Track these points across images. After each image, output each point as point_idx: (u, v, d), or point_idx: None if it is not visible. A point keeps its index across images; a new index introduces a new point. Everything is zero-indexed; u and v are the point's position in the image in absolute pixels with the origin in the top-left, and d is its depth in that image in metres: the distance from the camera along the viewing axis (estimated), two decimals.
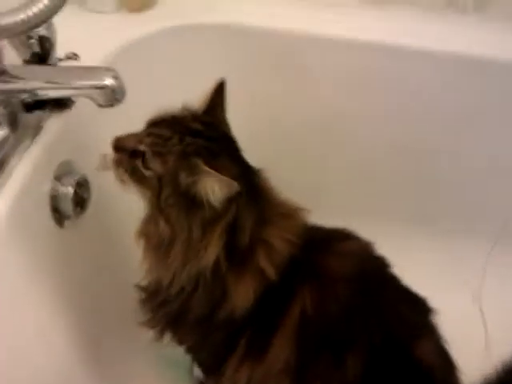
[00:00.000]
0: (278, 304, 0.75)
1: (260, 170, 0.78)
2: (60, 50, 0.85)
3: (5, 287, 0.69)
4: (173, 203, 0.71)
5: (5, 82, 0.68)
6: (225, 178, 0.68)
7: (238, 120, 0.79)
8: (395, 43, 1.05)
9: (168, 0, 1.10)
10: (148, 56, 1.01)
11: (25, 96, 0.70)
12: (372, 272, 0.80)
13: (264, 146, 0.77)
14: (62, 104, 0.81)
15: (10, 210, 0.69)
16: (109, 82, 0.67)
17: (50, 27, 0.78)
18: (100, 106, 0.69)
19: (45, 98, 0.74)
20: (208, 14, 1.07)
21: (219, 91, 0.77)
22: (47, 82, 0.68)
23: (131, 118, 0.73)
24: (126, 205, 0.81)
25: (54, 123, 0.80)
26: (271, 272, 0.74)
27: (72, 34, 0.85)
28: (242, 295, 0.74)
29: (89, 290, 0.87)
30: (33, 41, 0.77)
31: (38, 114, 0.78)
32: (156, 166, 0.71)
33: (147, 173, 0.72)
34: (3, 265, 0.69)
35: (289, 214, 0.79)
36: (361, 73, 1.07)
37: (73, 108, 0.82)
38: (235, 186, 0.67)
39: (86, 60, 0.88)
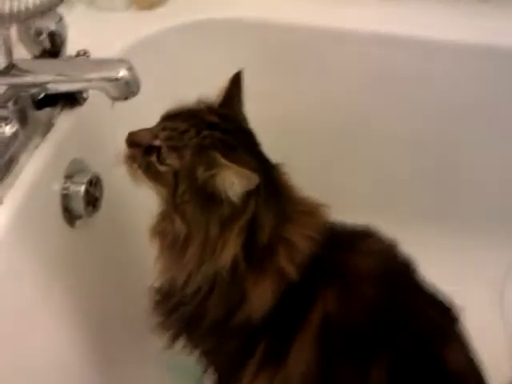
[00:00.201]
0: (299, 306, 0.71)
1: (279, 165, 0.75)
2: (70, 49, 0.82)
3: (12, 289, 0.66)
4: (189, 199, 0.68)
5: (14, 75, 0.65)
6: (244, 171, 0.65)
7: (250, 116, 0.76)
8: (412, 35, 1.01)
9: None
10: (159, 53, 0.98)
11: (35, 90, 0.67)
12: (397, 273, 0.76)
13: (275, 144, 0.74)
14: (73, 101, 0.79)
15: (19, 210, 0.67)
16: (123, 73, 0.64)
17: (61, 22, 0.76)
18: (113, 99, 0.66)
19: (55, 91, 0.71)
20: (219, 9, 1.04)
21: (236, 83, 0.75)
22: (58, 75, 0.66)
23: (144, 115, 0.71)
24: (139, 203, 0.79)
25: (65, 120, 0.77)
26: (292, 272, 0.71)
27: (82, 33, 0.83)
28: (261, 297, 0.71)
29: (99, 293, 0.85)
30: (43, 37, 0.75)
31: (48, 111, 0.75)
32: (172, 160, 0.68)
33: (162, 168, 0.69)
34: (10, 267, 0.66)
35: (309, 210, 0.76)
36: (376, 67, 1.04)
37: (84, 104, 0.80)
38: (255, 178, 0.64)
39: None
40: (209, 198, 0.67)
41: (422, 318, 0.73)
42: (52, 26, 0.74)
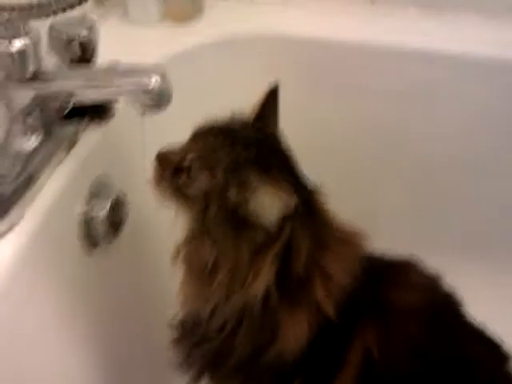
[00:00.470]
0: (337, 343, 0.65)
1: (315, 187, 0.70)
2: (101, 61, 0.79)
3: (24, 318, 0.61)
4: (220, 223, 0.63)
5: (42, 82, 0.61)
6: (281, 193, 0.59)
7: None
8: (455, 52, 0.96)
9: (213, 11, 1.04)
10: (192, 68, 0.95)
11: (62, 98, 0.63)
12: (442, 308, 0.70)
13: (309, 167, 0.68)
14: (100, 115, 0.75)
15: (35, 232, 0.62)
16: (155, 81, 0.59)
17: (92, 29, 0.72)
18: (144, 109, 0.62)
19: (84, 99, 0.66)
20: (253, 24, 1.01)
21: (272, 97, 0.70)
22: (86, 82, 0.62)
23: (175, 132, 0.67)
24: (164, 227, 0.73)
25: (91, 135, 0.73)
26: (329, 306, 0.64)
27: (114, 46, 0.79)
28: (295, 332, 0.65)
29: (118, 325, 0.79)
30: (74, 44, 0.71)
31: (74, 124, 0.71)
32: (203, 180, 0.63)
33: (193, 189, 0.64)
34: (23, 293, 0.61)
35: (347, 238, 0.70)
36: (415, 84, 0.99)
37: (112, 120, 0.75)
38: (292, 202, 0.59)
39: None
40: (241, 221, 0.62)
41: (470, 357, 0.67)
42: (83, 33, 0.70)
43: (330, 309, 0.64)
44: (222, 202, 0.62)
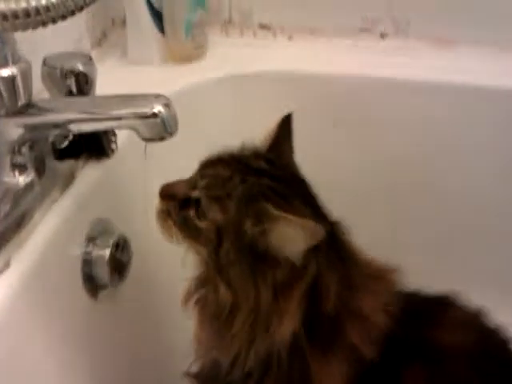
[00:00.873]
0: None
1: (338, 222, 0.62)
2: None
3: (20, 368, 0.53)
4: (235, 260, 0.55)
5: (32, 115, 0.55)
6: (306, 222, 0.52)
7: None
8: (471, 84, 0.91)
9: (217, 50, 1.00)
10: (195, 107, 0.89)
11: (55, 132, 0.57)
12: (490, 347, 0.63)
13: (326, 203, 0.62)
14: (99, 152, 0.69)
15: (29, 276, 0.55)
16: (158, 109, 0.53)
17: (90, 63, 0.67)
18: (147, 140, 0.55)
19: (79, 132, 0.60)
20: (260, 61, 0.97)
21: (285, 126, 0.64)
22: (82, 113, 0.55)
23: (178, 171, 0.61)
24: (171, 270, 0.66)
25: (89, 173, 0.67)
26: (367, 350, 0.57)
27: (113, 85, 0.74)
28: (330, 382, 0.56)
29: (124, 378, 0.70)
30: (70, 77, 0.65)
31: (70, 162, 0.65)
32: (213, 214, 0.56)
33: (202, 224, 0.57)
34: (19, 343, 0.53)
35: (378, 275, 0.63)
36: (435, 117, 0.93)
37: (114, 155, 0.69)
38: (320, 230, 0.52)
39: None
40: (260, 257, 0.55)
41: None
42: (80, 67, 0.65)
43: (368, 353, 0.56)
44: (237, 237, 0.55)
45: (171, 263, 0.67)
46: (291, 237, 0.53)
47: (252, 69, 0.95)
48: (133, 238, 0.69)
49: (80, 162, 0.66)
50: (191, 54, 0.97)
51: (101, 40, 1.02)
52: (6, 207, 0.55)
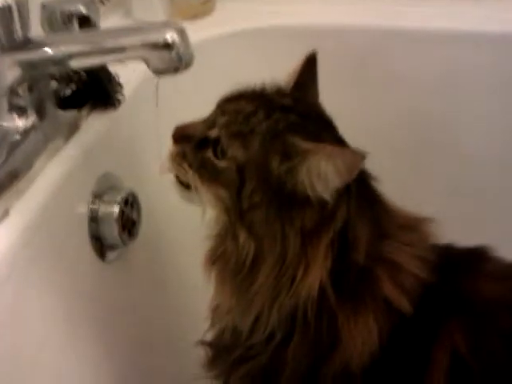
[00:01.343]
0: (416, 345, 0.52)
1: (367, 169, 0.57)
2: None
3: (19, 331, 0.48)
4: (260, 202, 0.50)
5: (29, 50, 0.50)
6: (344, 150, 0.48)
7: None
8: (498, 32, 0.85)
9: (225, 7, 0.94)
10: (207, 62, 0.84)
11: (55, 69, 0.52)
12: None
13: None
14: (105, 102, 0.64)
15: (30, 226, 0.50)
16: (171, 37, 0.48)
17: (93, 6, 0.62)
18: (159, 73, 0.50)
19: (82, 67, 0.55)
20: (271, 17, 0.91)
21: (310, 65, 0.59)
22: (84, 45, 0.50)
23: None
24: (186, 226, 0.62)
25: (94, 123, 0.62)
26: (403, 302, 0.52)
27: None
28: (362, 337, 0.52)
29: (135, 344, 0.66)
30: (72, 24, 0.60)
31: (74, 110, 0.60)
32: (235, 151, 0.51)
33: (222, 163, 0.52)
34: (17, 302, 0.48)
35: (412, 226, 0.58)
36: (456, 70, 0.88)
37: (120, 107, 0.64)
38: (361, 158, 0.46)
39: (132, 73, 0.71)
40: (287, 198, 0.50)
41: None
42: (82, 10, 0.60)
43: (404, 305, 0.52)
44: (262, 177, 0.50)
45: (184, 222, 0.63)
46: (324, 171, 0.48)
47: (263, 23, 0.90)
48: (141, 195, 0.64)
49: (84, 112, 0.61)
50: (198, 9, 0.93)
51: (103, 1, 0.97)
52: (4, 152, 0.51)
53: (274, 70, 0.77)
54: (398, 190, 0.67)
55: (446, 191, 0.94)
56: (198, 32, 0.88)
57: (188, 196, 0.56)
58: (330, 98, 0.87)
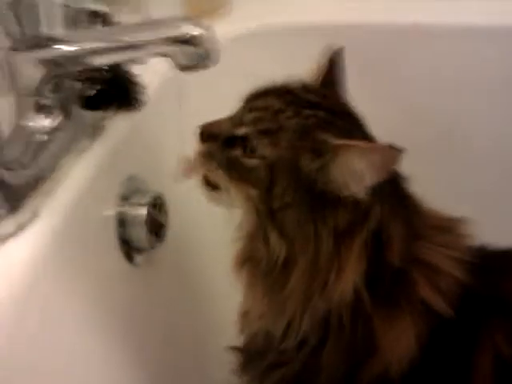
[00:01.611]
0: (457, 351, 0.50)
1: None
2: None
3: (61, 347, 0.47)
4: (291, 202, 0.49)
5: (52, 48, 0.49)
6: (378, 145, 0.47)
7: None
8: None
9: (242, 6, 0.93)
10: (226, 60, 0.83)
11: (79, 67, 0.50)
12: None
13: None
14: (129, 103, 0.62)
15: (60, 229, 0.48)
16: (197, 31, 0.47)
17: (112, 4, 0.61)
18: (184, 68, 0.49)
19: (104, 64, 0.54)
20: (287, 15, 0.90)
21: (337, 60, 0.58)
22: (107, 42, 0.48)
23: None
24: (213, 230, 0.60)
25: (119, 124, 0.60)
26: (440, 305, 0.50)
27: None
28: (399, 342, 0.50)
29: (163, 350, 0.64)
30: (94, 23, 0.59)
31: (99, 111, 0.59)
32: (264, 149, 0.49)
33: (251, 162, 0.50)
34: (46, 306, 0.47)
35: (446, 226, 0.56)
36: (473, 65, 0.86)
37: (144, 109, 0.63)
38: (398, 153, 0.45)
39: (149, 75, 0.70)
40: (319, 197, 0.48)
41: None
42: (104, 8, 0.59)
43: (442, 308, 0.50)
44: (293, 175, 0.49)
45: (211, 224, 0.61)
46: (357, 168, 0.46)
47: (280, 21, 0.88)
48: (168, 197, 0.63)
49: (109, 113, 0.60)
50: (215, 8, 0.91)
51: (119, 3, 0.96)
52: (31, 152, 0.49)
53: (292, 68, 0.77)
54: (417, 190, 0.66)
55: (461, 190, 0.93)
56: (216, 32, 0.88)
57: (215, 197, 0.55)
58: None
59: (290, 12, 0.91)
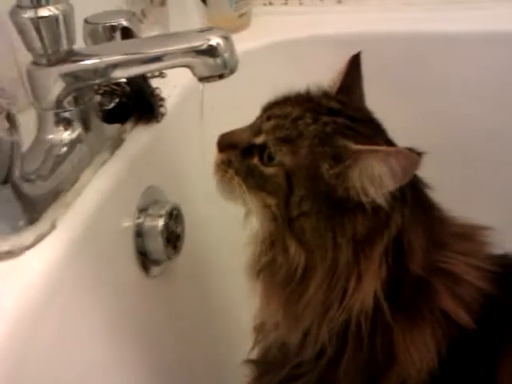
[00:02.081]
0: (478, 362, 0.49)
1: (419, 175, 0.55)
2: None
3: (77, 359, 0.47)
4: (310, 210, 0.49)
5: (74, 62, 0.50)
6: (398, 150, 0.46)
7: None
8: None
9: (262, 21, 0.95)
10: (247, 73, 0.84)
11: (100, 80, 0.51)
12: None
13: None
14: (149, 115, 0.63)
15: (78, 242, 0.49)
16: (215, 42, 0.47)
17: (133, 19, 0.61)
18: (203, 79, 0.49)
19: (125, 77, 0.55)
20: (308, 28, 0.91)
21: (354, 66, 0.58)
22: (127, 55, 0.49)
23: None
24: (230, 240, 0.60)
25: (138, 136, 0.61)
26: (462, 315, 0.49)
27: None
28: (419, 354, 0.49)
29: (179, 360, 0.64)
30: (114, 37, 0.60)
31: (118, 123, 0.60)
32: (282, 156, 0.49)
33: (270, 170, 0.50)
34: (64, 318, 0.47)
35: (467, 233, 0.55)
36: (498, 72, 0.85)
37: (163, 121, 0.64)
38: (417, 159, 0.44)
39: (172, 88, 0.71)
40: (338, 204, 0.48)
41: None
42: (124, 22, 0.60)
43: (465, 318, 0.49)
44: (312, 182, 0.48)
45: (227, 235, 0.61)
46: (378, 173, 0.46)
47: (301, 34, 0.89)
48: (185, 208, 0.63)
49: (128, 126, 0.61)
50: (236, 24, 0.92)
51: (141, 20, 0.98)
52: (50, 164, 0.50)
53: (312, 80, 0.77)
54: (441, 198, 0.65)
55: (493, 199, 0.91)
56: (236, 45, 0.89)
57: (232, 196, 0.54)
58: (369, 106, 0.87)
59: (312, 24, 0.92)
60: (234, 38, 0.91)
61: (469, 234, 0.55)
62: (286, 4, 0.98)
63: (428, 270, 0.50)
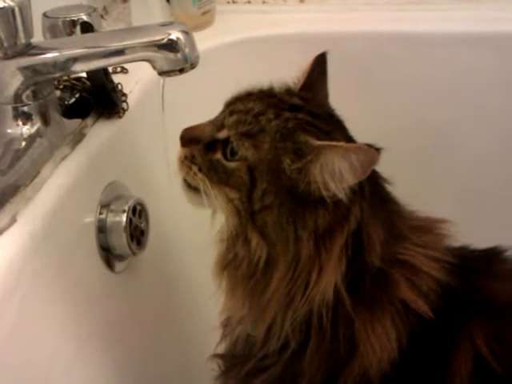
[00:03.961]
0: (438, 350, 0.51)
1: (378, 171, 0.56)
2: None
3: (39, 355, 0.47)
4: (271, 204, 0.49)
5: (32, 55, 0.49)
6: (355, 146, 0.47)
7: None
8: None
9: (225, 19, 0.95)
10: (208, 71, 0.84)
11: (59, 74, 0.50)
12: None
13: None
14: (110, 111, 0.63)
15: (39, 236, 0.48)
16: (175, 36, 0.47)
17: (95, 14, 0.61)
18: (164, 73, 0.49)
19: (85, 70, 0.54)
20: (271, 26, 0.92)
21: (319, 65, 0.58)
22: (88, 48, 0.48)
23: None
24: (194, 235, 0.60)
25: (100, 132, 0.61)
26: (421, 305, 0.50)
27: None
28: (380, 344, 0.50)
29: (145, 357, 0.64)
30: (74, 32, 0.60)
31: (79, 119, 0.59)
32: (245, 151, 0.50)
33: (232, 165, 0.51)
34: (31, 323, 0.46)
35: (426, 226, 0.57)
36: (458, 73, 0.87)
37: (125, 116, 0.64)
38: (374, 153, 0.45)
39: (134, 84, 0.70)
40: (300, 199, 0.49)
41: None
42: (84, 17, 0.59)
43: (423, 308, 0.50)
44: (274, 177, 0.49)
45: (193, 229, 0.61)
46: (338, 168, 0.47)
47: (264, 32, 0.89)
48: (149, 204, 0.63)
49: (89, 121, 0.60)
50: (199, 22, 0.92)
51: (103, 16, 0.97)
52: (9, 158, 0.49)
53: (274, 78, 0.77)
54: (403, 195, 0.67)
55: (452, 197, 0.93)
56: (199, 42, 0.89)
57: (196, 199, 0.55)
58: (334, 105, 0.87)
59: (275, 23, 0.92)
60: (198, 35, 0.92)
61: (427, 227, 0.56)
62: (249, 2, 0.99)
63: (387, 262, 0.51)
